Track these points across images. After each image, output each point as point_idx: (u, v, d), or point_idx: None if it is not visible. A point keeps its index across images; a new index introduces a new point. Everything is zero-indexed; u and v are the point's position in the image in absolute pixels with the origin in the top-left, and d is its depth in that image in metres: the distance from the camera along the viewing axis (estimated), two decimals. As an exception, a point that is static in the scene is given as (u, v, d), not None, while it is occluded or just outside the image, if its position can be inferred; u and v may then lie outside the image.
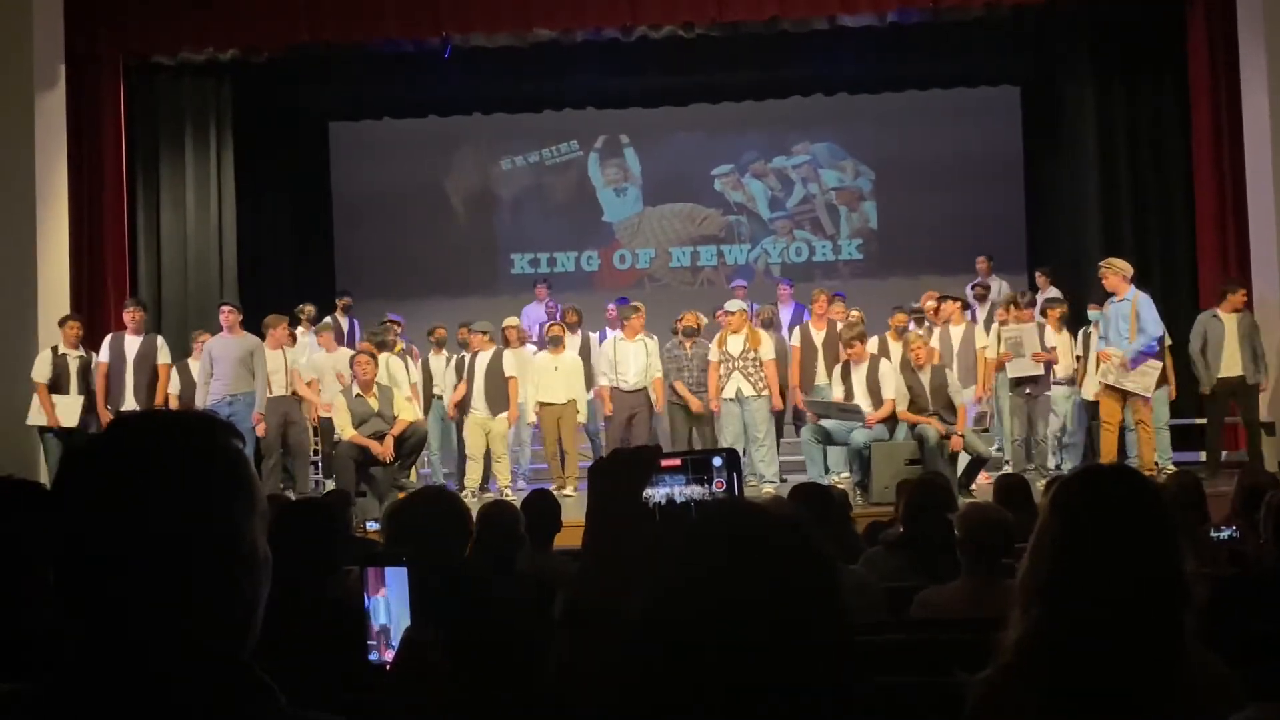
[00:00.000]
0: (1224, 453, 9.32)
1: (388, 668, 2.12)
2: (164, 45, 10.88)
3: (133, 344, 9.43)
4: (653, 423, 9.67)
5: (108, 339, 9.49)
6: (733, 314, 9.41)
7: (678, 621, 1.13)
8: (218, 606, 1.14)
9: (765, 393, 9.26)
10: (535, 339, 10.84)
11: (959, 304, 9.95)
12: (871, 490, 8.39)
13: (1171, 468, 8.83)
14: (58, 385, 9.18)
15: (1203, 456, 9.23)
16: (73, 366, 9.23)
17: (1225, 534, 4.73)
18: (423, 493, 3.55)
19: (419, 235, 13.95)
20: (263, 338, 9.43)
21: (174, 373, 9.48)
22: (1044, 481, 7.80)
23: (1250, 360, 9.02)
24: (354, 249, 13.85)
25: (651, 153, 14.30)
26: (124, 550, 1.11)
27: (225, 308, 9.51)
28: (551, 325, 10.23)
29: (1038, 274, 11.53)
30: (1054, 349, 9.32)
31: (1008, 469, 9.06)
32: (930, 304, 10.11)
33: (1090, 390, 9.27)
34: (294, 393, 9.55)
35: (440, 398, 10.08)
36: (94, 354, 9.42)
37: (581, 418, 9.88)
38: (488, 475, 9.72)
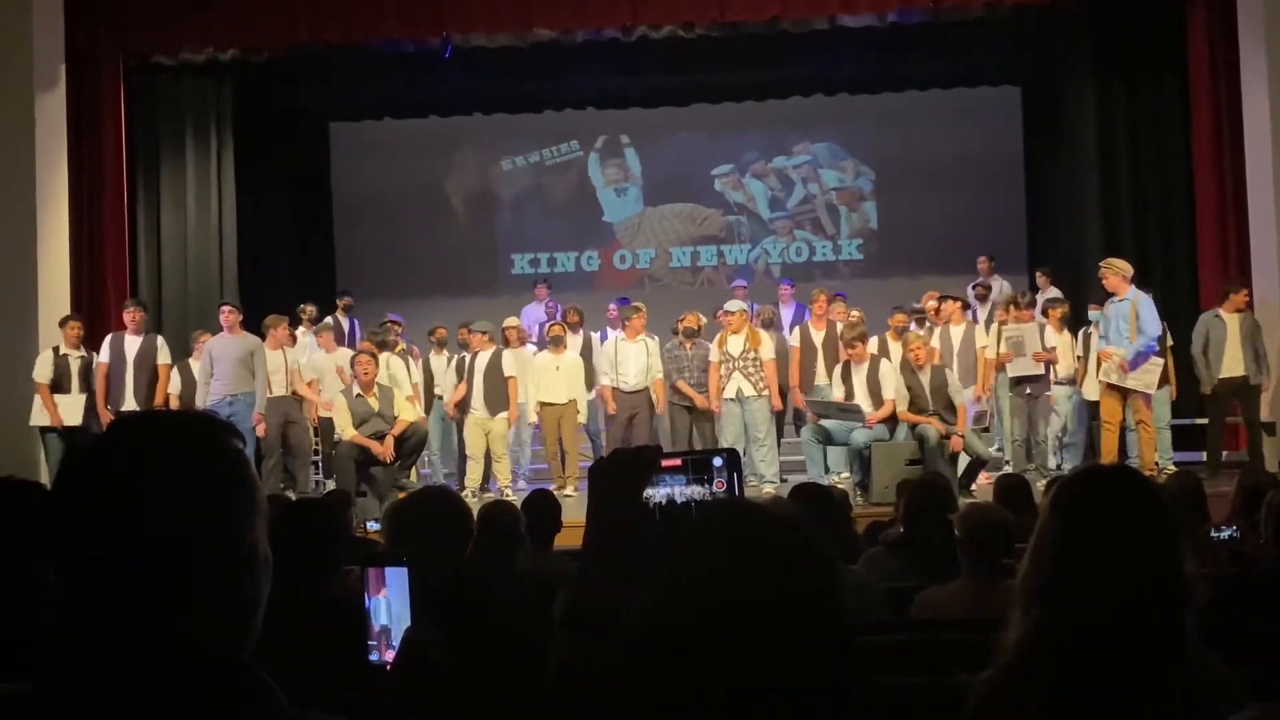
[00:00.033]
0: (1224, 453, 9.31)
1: (388, 668, 2.13)
2: (164, 45, 10.89)
3: (133, 344, 9.43)
4: (653, 423, 9.67)
5: (108, 339, 9.49)
6: (733, 314, 9.41)
7: (678, 621, 1.13)
8: (218, 606, 1.14)
9: (765, 393, 9.26)
10: (535, 339, 10.84)
11: (959, 304, 9.95)
12: (872, 490, 8.39)
13: (1172, 468, 8.83)
14: (59, 385, 9.18)
15: (1203, 457, 9.23)
16: (74, 367, 9.23)
17: (1226, 534, 4.73)
18: (424, 492, 3.55)
19: (419, 235, 13.95)
20: (263, 338, 9.44)
21: (175, 372, 9.48)
22: (1044, 482, 7.80)
23: (1253, 360, 9.02)
24: (354, 249, 13.85)
25: (652, 153, 14.30)
26: (124, 550, 1.11)
27: (225, 308, 9.51)
28: (552, 325, 10.23)
29: (1038, 274, 11.53)
30: (1054, 349, 9.32)
31: (1008, 469, 9.06)
32: (931, 304, 10.11)
33: (1092, 390, 9.28)
34: (294, 393, 9.56)
35: (441, 398, 10.09)
36: (94, 354, 9.42)
37: (581, 418, 9.88)
38: (488, 475, 9.72)
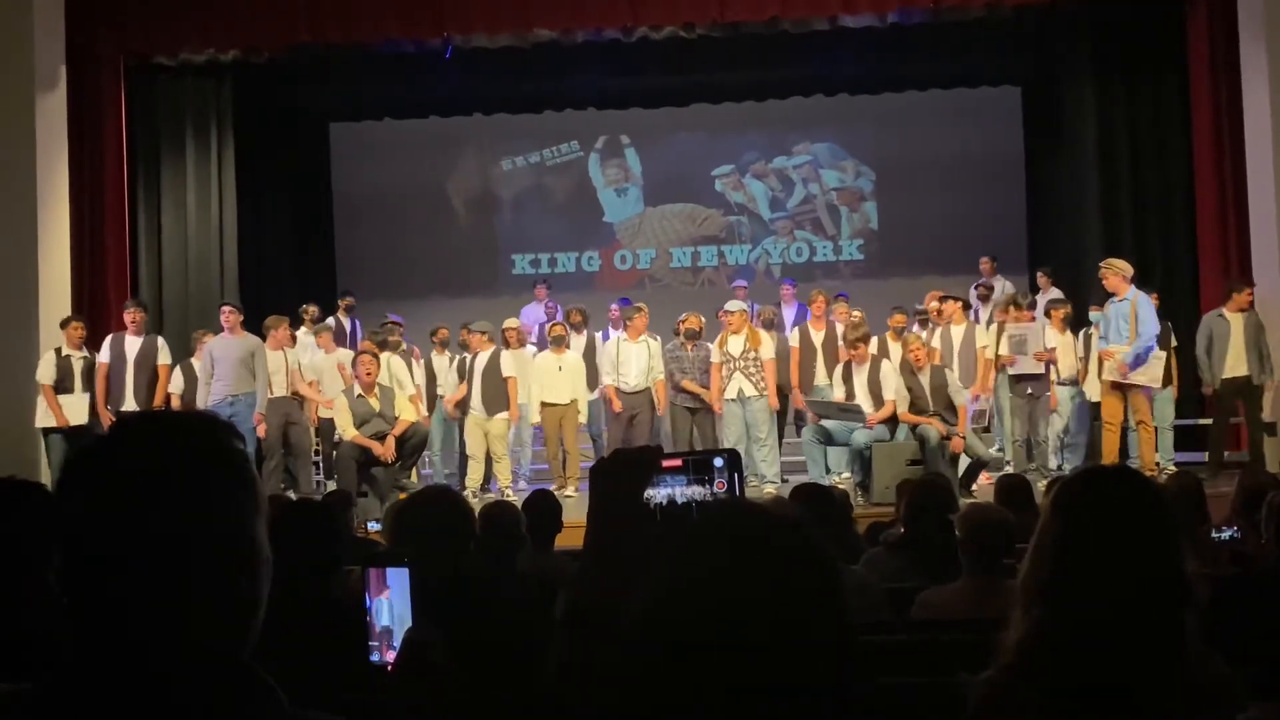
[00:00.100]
0: (1225, 453, 9.31)
1: (389, 668, 2.12)
2: (165, 46, 10.89)
3: (133, 345, 9.44)
4: (654, 424, 9.67)
5: (108, 339, 9.49)
6: (733, 314, 9.41)
7: (678, 622, 1.13)
8: (218, 606, 1.14)
9: (767, 393, 9.27)
10: (534, 339, 10.84)
11: (959, 304, 9.94)
12: (872, 491, 8.39)
13: (1172, 468, 8.83)
14: (63, 386, 9.18)
15: (1205, 457, 9.23)
16: (77, 367, 9.24)
17: (1226, 534, 4.73)
18: (425, 493, 3.55)
19: (420, 236, 13.95)
20: (263, 338, 9.44)
21: (177, 372, 9.48)
22: (1045, 482, 7.80)
23: (1256, 360, 9.02)
24: (355, 249, 13.85)
25: (652, 153, 14.31)
26: (125, 550, 1.11)
27: (226, 308, 9.51)
28: (554, 325, 10.22)
29: (1039, 274, 11.53)
30: (1054, 349, 9.32)
31: (1009, 469, 9.06)
32: (933, 304, 10.11)
33: (1094, 390, 9.27)
34: (295, 393, 9.56)
35: (444, 398, 10.09)
36: (96, 354, 9.42)
37: (582, 418, 9.88)
38: (488, 476, 9.72)
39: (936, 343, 9.55)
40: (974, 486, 8.65)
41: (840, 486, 8.07)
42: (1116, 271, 8.76)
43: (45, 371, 9.18)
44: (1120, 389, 8.72)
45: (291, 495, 8.36)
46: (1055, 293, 10.76)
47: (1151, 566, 1.78)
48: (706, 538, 1.19)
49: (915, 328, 10.05)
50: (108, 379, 9.32)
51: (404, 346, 10.30)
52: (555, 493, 5.74)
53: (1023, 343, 9.20)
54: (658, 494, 1.46)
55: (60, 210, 10.18)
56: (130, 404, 9.26)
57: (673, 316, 10.24)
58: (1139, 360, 8.59)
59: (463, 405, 9.69)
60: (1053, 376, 9.39)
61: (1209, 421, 9.50)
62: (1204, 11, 10.30)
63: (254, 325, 9.61)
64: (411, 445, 8.95)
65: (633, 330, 9.71)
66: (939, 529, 4.13)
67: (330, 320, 11.07)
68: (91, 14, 10.46)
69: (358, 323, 11.71)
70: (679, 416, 9.55)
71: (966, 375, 9.39)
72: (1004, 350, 9.35)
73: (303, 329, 10.64)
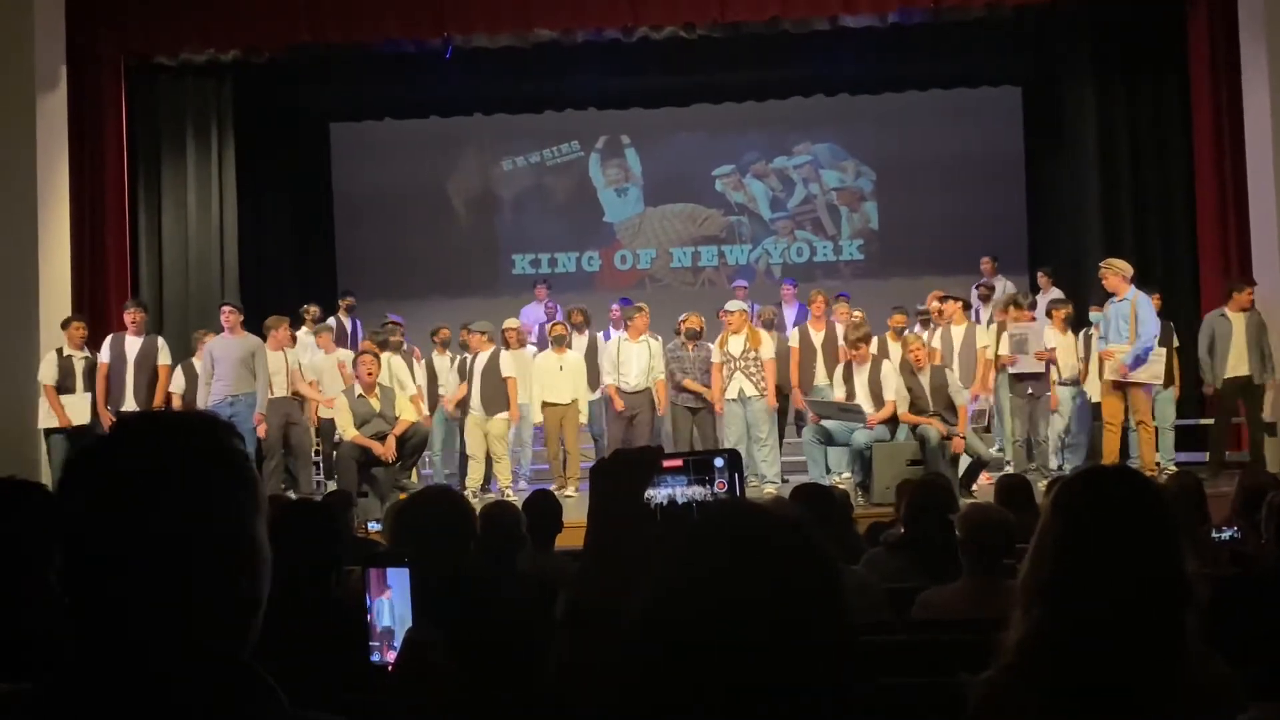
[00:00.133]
0: (1226, 453, 9.30)
1: (390, 668, 2.12)
2: (165, 46, 10.89)
3: (133, 345, 9.44)
4: (655, 424, 9.67)
5: (108, 339, 9.49)
6: (732, 314, 9.41)
7: (679, 622, 1.13)
8: (218, 606, 1.14)
9: (767, 392, 9.27)
10: (534, 339, 10.83)
11: (959, 304, 9.94)
12: (873, 491, 8.39)
13: (1173, 468, 8.83)
14: (65, 386, 9.18)
15: (1205, 457, 9.23)
16: (79, 367, 9.24)
17: (1226, 534, 4.73)
18: (426, 493, 3.55)
19: (420, 236, 13.95)
20: (264, 339, 9.44)
21: (178, 372, 9.48)
22: (1045, 482, 7.80)
23: (1258, 360, 9.02)
24: (355, 249, 13.86)
25: (652, 153, 14.31)
26: (125, 550, 1.11)
27: (226, 308, 9.51)
28: (555, 324, 10.22)
29: (1040, 274, 11.53)
30: (1054, 349, 9.32)
31: (1009, 469, 9.06)
32: (935, 304, 10.11)
33: (1095, 390, 9.27)
34: (295, 393, 9.56)
35: (444, 398, 10.09)
36: (97, 355, 9.43)
37: (583, 418, 9.88)
38: (489, 476, 9.73)
39: (937, 343, 9.55)
40: (974, 486, 8.65)
41: (840, 487, 8.06)
42: (1116, 271, 8.76)
43: (47, 372, 9.18)
44: (1120, 388, 8.72)
45: (291, 495, 8.36)
46: (1056, 293, 10.76)
47: (1152, 566, 1.78)
48: (707, 538, 1.19)
49: (917, 328, 10.05)
50: (108, 379, 9.32)
51: (405, 346, 10.30)
52: (555, 493, 5.74)
53: (1023, 342, 9.21)
54: (658, 494, 1.46)
55: (60, 210, 10.18)
56: (130, 404, 9.26)
57: (673, 317, 10.24)
58: (1139, 361, 8.59)
59: (463, 405, 9.70)
60: (1054, 376, 9.39)
61: (1210, 421, 9.50)
62: (1204, 11, 10.30)
63: (254, 325, 9.61)
64: (412, 445, 8.95)
65: (633, 330, 9.71)
66: (939, 529, 4.13)
67: (331, 320, 11.07)
68: (92, 14, 10.46)
69: (358, 323, 11.71)
70: (679, 416, 9.54)
71: (967, 375, 9.39)
72: (1004, 350, 9.35)
73: (303, 329, 10.64)
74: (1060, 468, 9.34)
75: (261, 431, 9.06)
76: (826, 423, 8.89)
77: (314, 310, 11.01)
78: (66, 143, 10.29)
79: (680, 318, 9.89)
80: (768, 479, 9.11)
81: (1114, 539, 1.79)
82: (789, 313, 11.62)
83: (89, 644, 1.11)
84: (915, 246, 13.35)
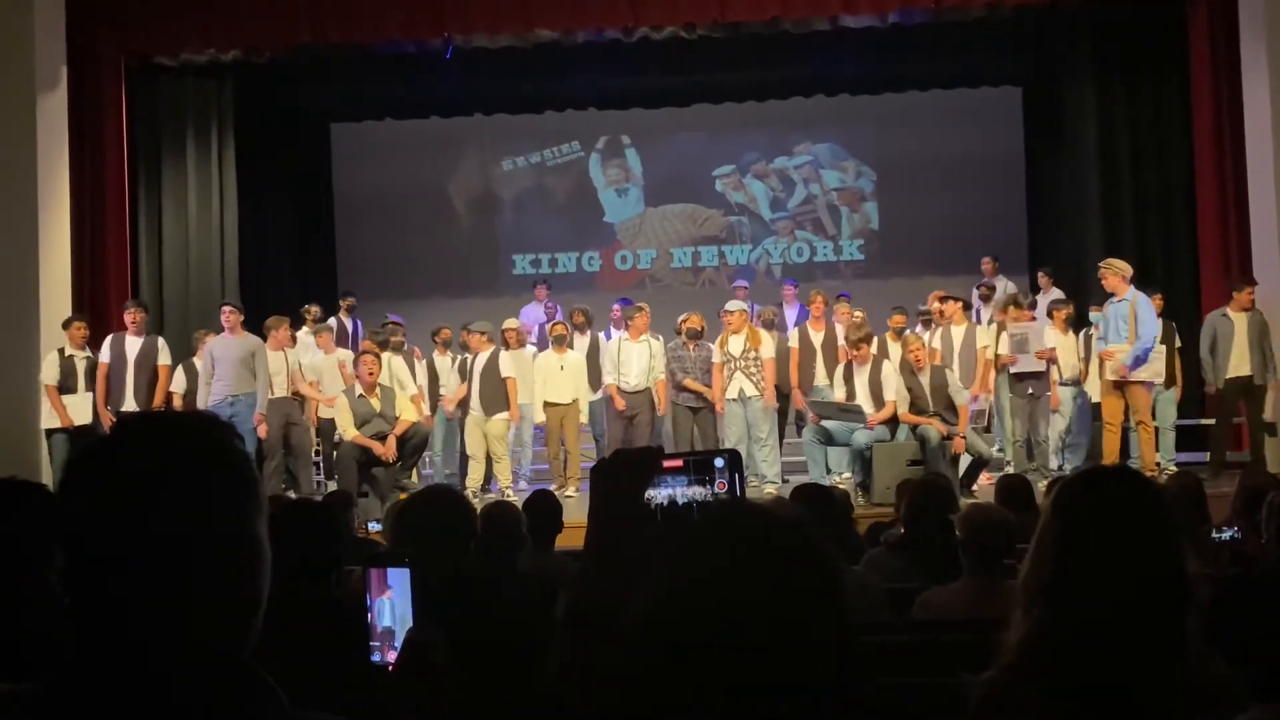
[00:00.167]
0: (1227, 453, 9.30)
1: (390, 668, 2.12)
2: (165, 46, 10.89)
3: (134, 345, 9.44)
4: (655, 424, 9.67)
5: (109, 339, 9.49)
6: (732, 314, 9.41)
7: (679, 622, 1.13)
8: (218, 606, 1.14)
9: (766, 392, 9.27)
10: (534, 339, 10.83)
11: (960, 304, 9.94)
12: (873, 491, 8.39)
13: (1173, 468, 8.83)
14: (67, 386, 9.18)
15: (1206, 457, 9.22)
16: (80, 367, 9.24)
17: (1227, 535, 4.73)
18: (426, 493, 3.55)
19: (420, 236, 13.96)
20: (264, 338, 9.44)
21: (178, 372, 9.49)
22: (1046, 482, 7.80)
23: (1260, 360, 9.02)
24: (355, 250, 13.86)
25: (653, 153, 14.31)
26: (125, 550, 1.11)
27: (226, 308, 9.51)
28: (555, 324, 10.22)
29: (1040, 274, 11.53)
30: (1054, 349, 9.32)
31: (1009, 470, 9.06)
32: (935, 305, 10.11)
33: (1095, 390, 9.27)
34: (295, 393, 9.56)
35: (444, 398, 10.09)
36: (97, 354, 9.43)
37: (584, 417, 9.88)
38: (489, 476, 9.73)
39: (937, 343, 9.55)
40: (974, 486, 8.65)
41: (841, 487, 8.06)
42: (1116, 272, 8.76)
43: (49, 372, 9.18)
44: (1121, 388, 8.72)
45: (292, 495, 8.36)
46: (1056, 293, 10.76)
47: (1152, 567, 1.78)
48: (707, 538, 1.19)
49: (917, 328, 10.05)
50: (108, 379, 9.32)
51: (405, 346, 10.31)
52: (556, 493, 5.74)
53: (1024, 342, 9.21)
54: (658, 494, 1.46)
55: (61, 210, 10.18)
56: (130, 404, 9.26)
57: (673, 317, 10.23)
58: (1139, 361, 8.59)
59: (463, 405, 9.70)
60: (1054, 376, 9.39)
61: (1211, 421, 9.50)
62: (1204, 11, 10.30)
63: (255, 325, 9.61)
64: (412, 445, 8.95)
65: (634, 330, 9.71)
66: (940, 529, 4.12)
67: (331, 320, 11.07)
68: (92, 14, 10.46)
69: (359, 323, 11.71)
70: (680, 416, 9.54)
71: (967, 375, 9.39)
72: (1004, 350, 9.35)
73: (304, 329, 10.64)
74: (1060, 468, 9.34)
75: (262, 431, 9.06)
76: (827, 423, 8.89)
77: (314, 310, 11.01)
78: (67, 143, 10.29)
79: (681, 317, 9.88)
80: (768, 479, 9.11)
81: (1114, 539, 1.79)
82: (789, 313, 11.62)
83: (89, 644, 1.11)
84: (915, 247, 13.35)
